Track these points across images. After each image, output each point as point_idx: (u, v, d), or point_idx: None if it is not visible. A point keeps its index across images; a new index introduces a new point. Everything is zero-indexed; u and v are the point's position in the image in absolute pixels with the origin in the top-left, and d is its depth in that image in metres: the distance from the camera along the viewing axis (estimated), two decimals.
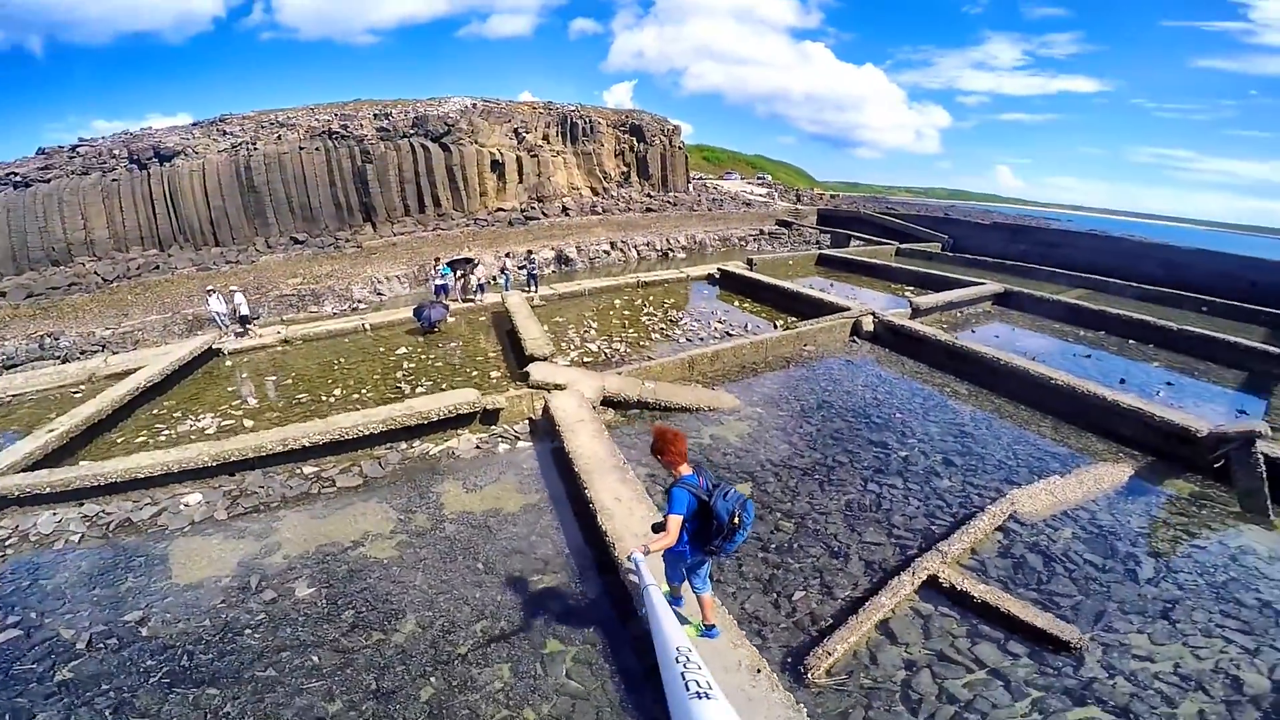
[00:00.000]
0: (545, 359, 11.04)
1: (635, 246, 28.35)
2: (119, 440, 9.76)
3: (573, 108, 39.67)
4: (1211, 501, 7.77)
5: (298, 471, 8.30)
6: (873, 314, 14.70)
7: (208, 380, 12.58)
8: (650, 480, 7.55)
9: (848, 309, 15.13)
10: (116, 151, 27.30)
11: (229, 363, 13.76)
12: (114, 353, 16.86)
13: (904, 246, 30.97)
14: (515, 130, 34.53)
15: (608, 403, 9.67)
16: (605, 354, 12.73)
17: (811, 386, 11.26)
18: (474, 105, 33.57)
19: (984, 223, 36.78)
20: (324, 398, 11.05)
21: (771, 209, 42.80)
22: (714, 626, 4.62)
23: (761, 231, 35.79)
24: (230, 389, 12.00)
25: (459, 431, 9.09)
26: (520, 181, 34.39)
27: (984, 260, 27.36)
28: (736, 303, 18.04)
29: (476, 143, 32.06)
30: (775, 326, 15.29)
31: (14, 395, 11.74)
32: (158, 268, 23.88)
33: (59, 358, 16.78)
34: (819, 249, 30.74)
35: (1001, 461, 8.61)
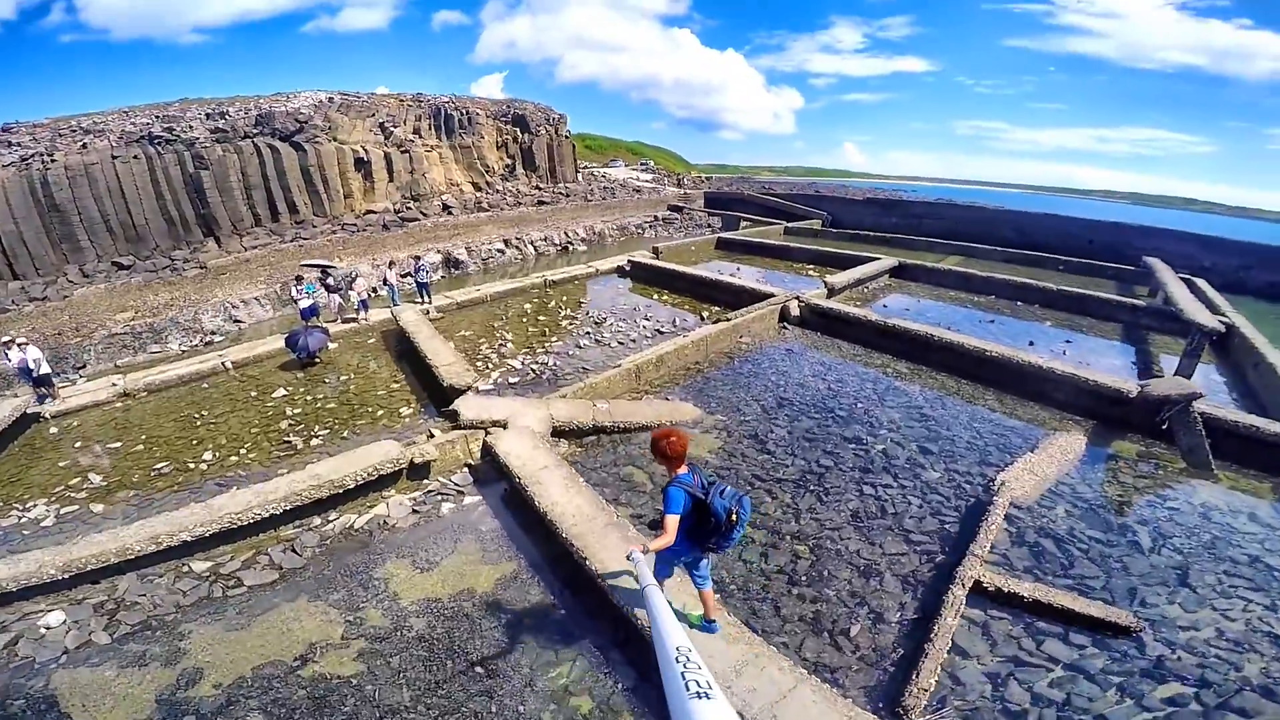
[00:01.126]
0: (468, 388, 9.50)
1: (532, 242, 26.66)
2: None
3: (446, 99, 36.59)
4: (1159, 459, 8.05)
5: (185, 570, 6.35)
6: (797, 298, 14.51)
7: (29, 454, 9.68)
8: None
9: (772, 295, 14.82)
10: None
11: (54, 429, 10.64)
12: None
13: (791, 225, 31.96)
14: (381, 125, 31.14)
15: (559, 433, 8.40)
16: (533, 370, 11.35)
17: (763, 383, 10.69)
18: (330, 99, 29.76)
19: (857, 198, 38.84)
20: (192, 465, 8.74)
21: (663, 194, 42.46)
22: (714, 621, 4.65)
23: (656, 218, 35.31)
24: (63, 463, 9.18)
25: (385, 493, 7.43)
26: (391, 180, 31.12)
27: (864, 234, 28.83)
28: (656, 296, 17.24)
29: (336, 140, 28.46)
30: (703, 319, 14.68)
31: None
32: None
33: None
34: (715, 233, 30.77)
35: (970, 443, 8.49)
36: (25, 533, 7.35)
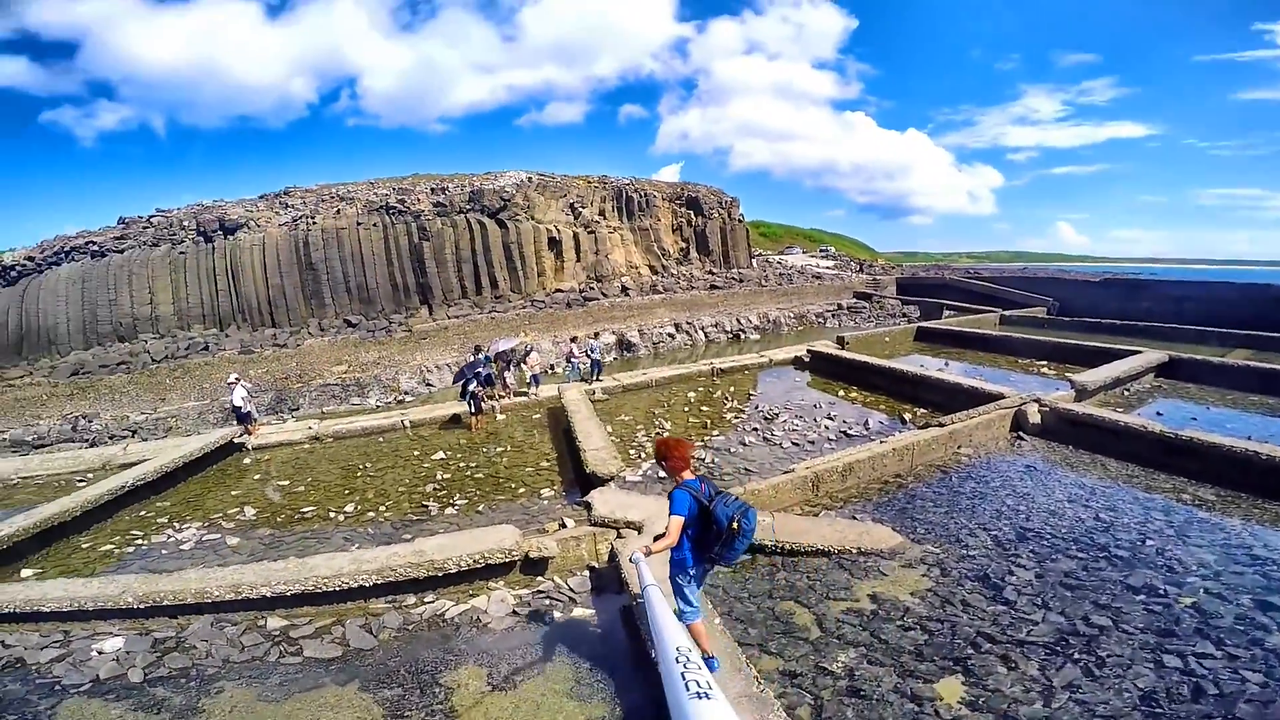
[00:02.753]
0: (611, 478, 8.26)
1: (702, 328, 25.92)
2: (85, 545, 8.17)
3: (627, 180, 38.81)
4: None
5: (259, 624, 5.78)
6: (1037, 401, 11.38)
7: (218, 480, 10.90)
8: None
9: (1001, 395, 11.84)
10: (186, 223, 27.41)
11: (248, 460, 11.96)
12: (143, 439, 15.46)
13: (1009, 314, 27.38)
14: (571, 205, 33.62)
15: None
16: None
17: (994, 507, 7.93)
18: (529, 179, 32.97)
19: (1093, 280, 32.76)
20: (333, 513, 8.77)
21: (847, 282, 39.99)
22: (713, 657, 4.15)
23: (840, 306, 32.90)
24: (236, 493, 10.08)
25: (491, 584, 6.28)
26: (578, 260, 33.08)
27: (1105, 324, 23.51)
28: (841, 392, 14.94)
29: (533, 218, 31.10)
30: (904, 421, 12.12)
31: (24, 477, 11.16)
32: (206, 348, 22.98)
33: (88, 441, 15.49)
34: (912, 322, 27.47)
35: None
36: (164, 552, 7.86)
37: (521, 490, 9.23)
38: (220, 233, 26.96)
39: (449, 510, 8.56)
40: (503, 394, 14.92)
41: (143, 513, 9.22)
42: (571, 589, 6.20)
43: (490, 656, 5.28)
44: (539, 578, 6.39)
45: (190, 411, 16.30)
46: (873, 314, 33.58)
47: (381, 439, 12.81)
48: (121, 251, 25.91)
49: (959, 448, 10.14)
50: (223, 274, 26.28)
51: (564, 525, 7.55)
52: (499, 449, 11.51)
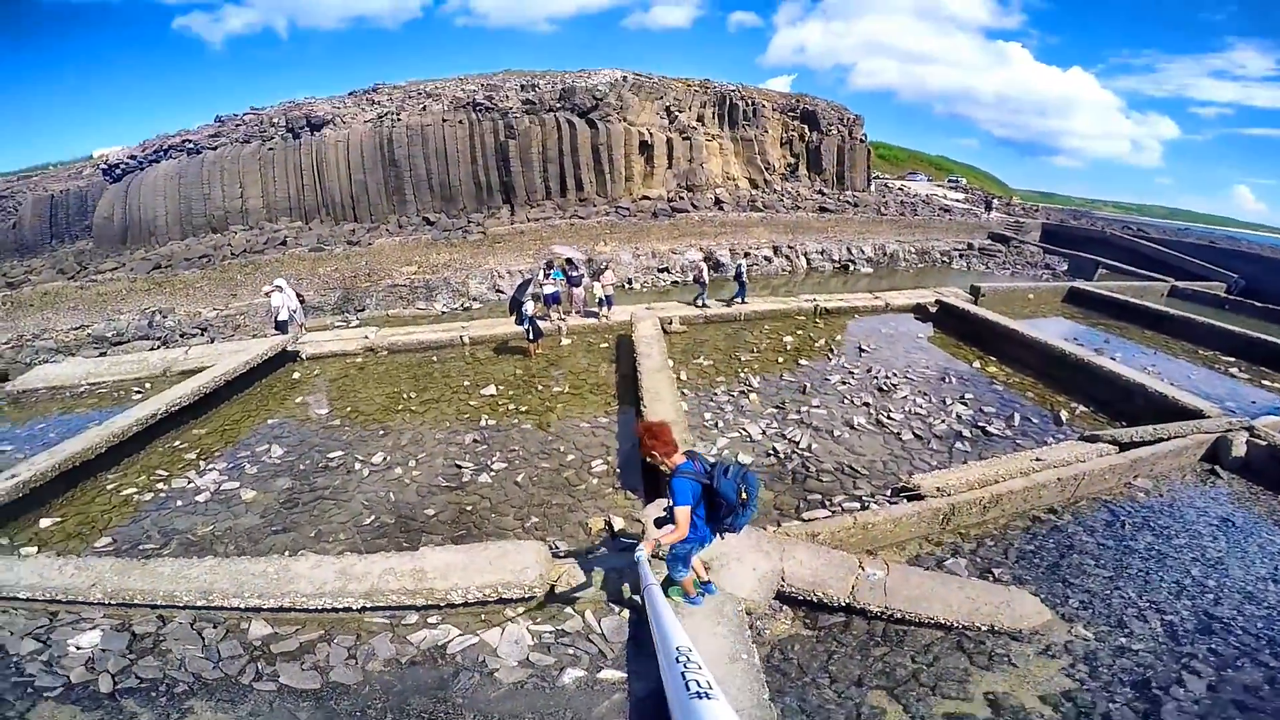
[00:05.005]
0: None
1: (805, 254, 22.81)
2: (111, 485, 7.19)
3: (734, 87, 34.27)
4: None
5: (244, 628, 4.61)
6: (1249, 429, 8.27)
7: (262, 400, 9.93)
8: None
9: (1199, 412, 8.74)
10: (276, 120, 27.07)
11: (297, 374, 11.05)
12: (211, 338, 15.29)
13: (1180, 286, 22.28)
14: (667, 109, 30.08)
15: (785, 599, 4.81)
16: (776, 449, 7.77)
17: (1174, 576, 5.49)
18: (624, 79, 29.53)
19: None
20: (358, 464, 7.51)
21: (981, 219, 34.50)
22: (709, 582, 4.41)
23: (970, 246, 28.30)
24: (273, 420, 9.09)
25: (509, 611, 4.74)
26: (670, 167, 29.95)
27: None
28: (976, 362, 12.07)
29: (625, 120, 28.04)
30: (1059, 422, 9.35)
31: (91, 384, 10.62)
32: (284, 242, 22.77)
33: (160, 339, 15.52)
34: (1059, 278, 23.04)
35: None
36: (179, 503, 6.85)
37: (571, 457, 7.58)
38: (307, 129, 26.35)
39: (483, 478, 7.08)
40: (568, 312, 13.29)
41: (177, 442, 8.30)
42: (605, 635, 4.54)
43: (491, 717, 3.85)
44: (568, 609, 4.76)
45: (259, 308, 15.85)
46: (1009, 260, 28.71)
47: (436, 357, 11.66)
48: (215, 149, 25.97)
49: (1135, 478, 7.44)
50: (308, 170, 25.84)
51: (610, 527, 5.88)
52: (556, 389, 9.95)
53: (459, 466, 7.35)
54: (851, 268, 24.29)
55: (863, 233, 27.30)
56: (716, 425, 8.43)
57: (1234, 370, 12.83)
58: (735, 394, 9.63)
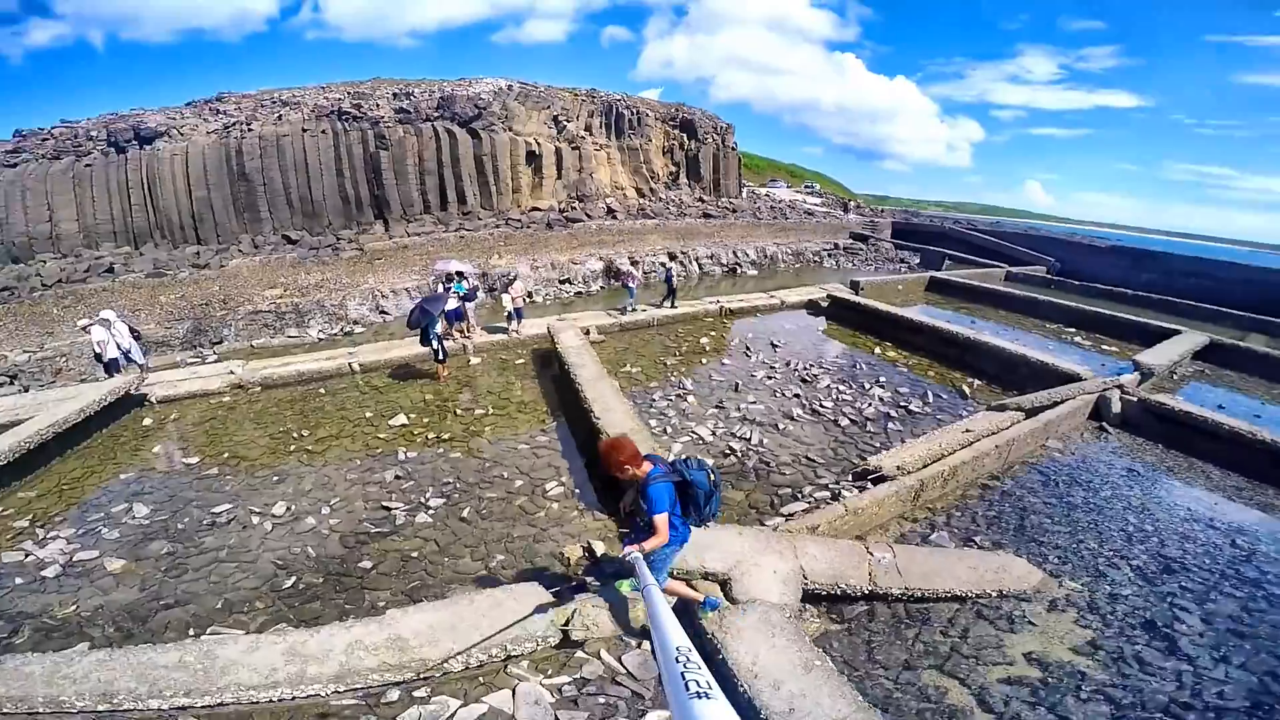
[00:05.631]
0: None
1: (697, 259, 23.29)
2: None
3: (618, 96, 34.64)
4: None
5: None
6: (1120, 387, 9.55)
7: (106, 451, 8.03)
8: None
9: (1076, 375, 9.95)
10: (95, 134, 22.89)
11: (148, 420, 9.04)
12: (24, 388, 12.37)
13: (1014, 270, 25.81)
14: (554, 118, 29.60)
15: (811, 598, 4.61)
16: (732, 449, 7.60)
17: (1118, 525, 6.24)
18: (509, 88, 28.63)
19: (1099, 245, 31.53)
20: (256, 518, 6.25)
21: (842, 221, 37.51)
22: (709, 596, 4.23)
23: (836, 245, 30.63)
24: (126, 475, 7.34)
25: (513, 670, 3.98)
26: (559, 177, 29.42)
27: (1114, 290, 22.23)
28: (876, 349, 12.85)
29: (511, 129, 27.13)
30: (964, 395, 10.17)
31: None
32: (111, 269, 19.23)
33: None
34: (913, 270, 25.55)
35: None
36: (17, 581, 5.29)
37: (519, 483, 6.85)
38: (135, 143, 22.46)
39: (421, 518, 6.15)
40: (469, 332, 12.32)
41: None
42: (632, 673, 3.99)
43: None
44: (578, 652, 4.13)
45: (84, 347, 13.08)
46: (869, 257, 31.49)
47: (323, 389, 10.15)
48: (14, 165, 21.40)
49: (1047, 440, 8.26)
50: (137, 187, 22.04)
51: (590, 553, 5.30)
52: (479, 411, 9.06)
53: (386, 509, 6.35)
54: (739, 270, 25.24)
55: (745, 237, 28.54)
56: (665, 431, 8.11)
57: (1078, 339, 14.89)
58: (673, 398, 9.39)
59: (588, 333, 12.17)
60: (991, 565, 5.06)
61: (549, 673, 3.91)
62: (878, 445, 7.80)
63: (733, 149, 39.56)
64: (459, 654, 3.68)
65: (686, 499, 3.81)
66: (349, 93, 26.66)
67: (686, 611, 4.19)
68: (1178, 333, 13.99)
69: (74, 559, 5.57)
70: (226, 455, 7.78)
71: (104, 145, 22.80)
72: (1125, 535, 5.96)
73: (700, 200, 35.39)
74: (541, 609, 4.08)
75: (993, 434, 7.49)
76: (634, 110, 33.76)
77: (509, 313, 12.47)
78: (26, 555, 5.63)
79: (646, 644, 4.16)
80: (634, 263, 16.88)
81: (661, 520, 3.62)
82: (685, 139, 36.61)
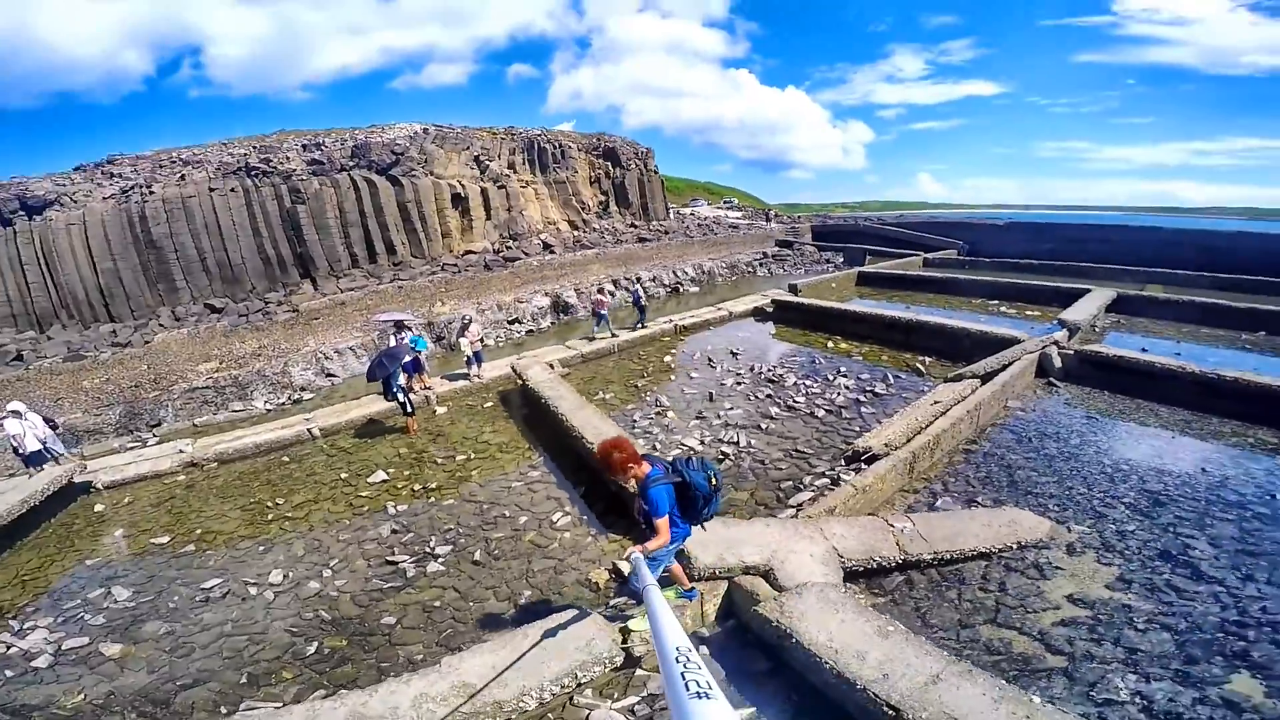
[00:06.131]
0: None
1: (640, 282, 23.71)
2: None
3: (538, 131, 35.06)
4: None
5: None
6: (1056, 344, 10.57)
7: (61, 540, 7.46)
8: None
9: (1015, 339, 10.89)
10: None
11: (100, 505, 8.37)
12: None
13: (930, 256, 27.86)
14: (476, 159, 29.59)
15: (851, 576, 4.83)
16: (724, 454, 7.83)
17: (1096, 469, 6.89)
18: (425, 131, 28.43)
19: (998, 224, 34.39)
20: (253, 589, 5.92)
21: (767, 231, 39.14)
22: (692, 589, 4.45)
23: (765, 254, 31.88)
24: (93, 561, 6.85)
25: (579, 700, 3.92)
26: (489, 218, 29.32)
27: (1020, 263, 24.55)
28: (829, 343, 13.50)
29: (432, 173, 26.89)
30: (919, 373, 10.87)
31: None
32: (19, 357, 17.55)
33: None
34: (839, 268, 27.00)
35: None
36: (9, 673, 4.98)
37: (524, 519, 6.78)
38: (23, 213, 20.64)
39: (433, 567, 5.98)
40: (427, 383, 12.03)
41: None
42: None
43: None
44: (638, 671, 4.14)
45: (3, 441, 11.88)
46: (797, 261, 32.99)
47: (286, 457, 9.64)
48: None
49: (1007, 401, 9.00)
50: (32, 263, 20.24)
51: (618, 573, 5.34)
52: (460, 457, 8.87)
53: (392, 563, 6.14)
54: (681, 289, 25.84)
55: (681, 256, 29.28)
56: (654, 447, 8.22)
57: (1003, 309, 16.24)
58: (653, 415, 9.53)
59: (552, 367, 12.17)
60: (1003, 520, 5.49)
61: (615, 696, 3.91)
62: (857, 429, 8.24)
63: (655, 172, 40.71)
64: (531, 691, 3.62)
65: (685, 500, 3.89)
66: (255, 147, 25.68)
67: (741, 604, 4.32)
68: (1088, 291, 15.53)
69: (63, 647, 5.24)
70: (200, 531, 7.32)
71: None
72: (1107, 477, 6.60)
73: (632, 226, 36.10)
74: (598, 631, 4.08)
75: (959, 401, 8.08)
76: (556, 144, 34.23)
77: (468, 357, 12.27)
78: (8, 647, 5.27)
79: (704, 647, 4.25)
80: (600, 290, 17.07)
81: (663, 523, 3.72)
82: (610, 167, 37.40)
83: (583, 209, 34.49)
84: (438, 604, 5.40)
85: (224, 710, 4.25)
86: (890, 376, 10.63)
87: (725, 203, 68.97)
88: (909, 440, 6.86)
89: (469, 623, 5.10)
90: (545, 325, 20.11)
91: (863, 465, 6.51)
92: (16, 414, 9.17)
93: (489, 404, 11.25)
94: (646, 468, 3.83)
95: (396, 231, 25.94)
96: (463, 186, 27.87)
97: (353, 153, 25.57)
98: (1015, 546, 5.09)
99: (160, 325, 19.80)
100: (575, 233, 33.06)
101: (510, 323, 17.84)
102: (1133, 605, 4.49)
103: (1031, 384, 9.82)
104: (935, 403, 8.12)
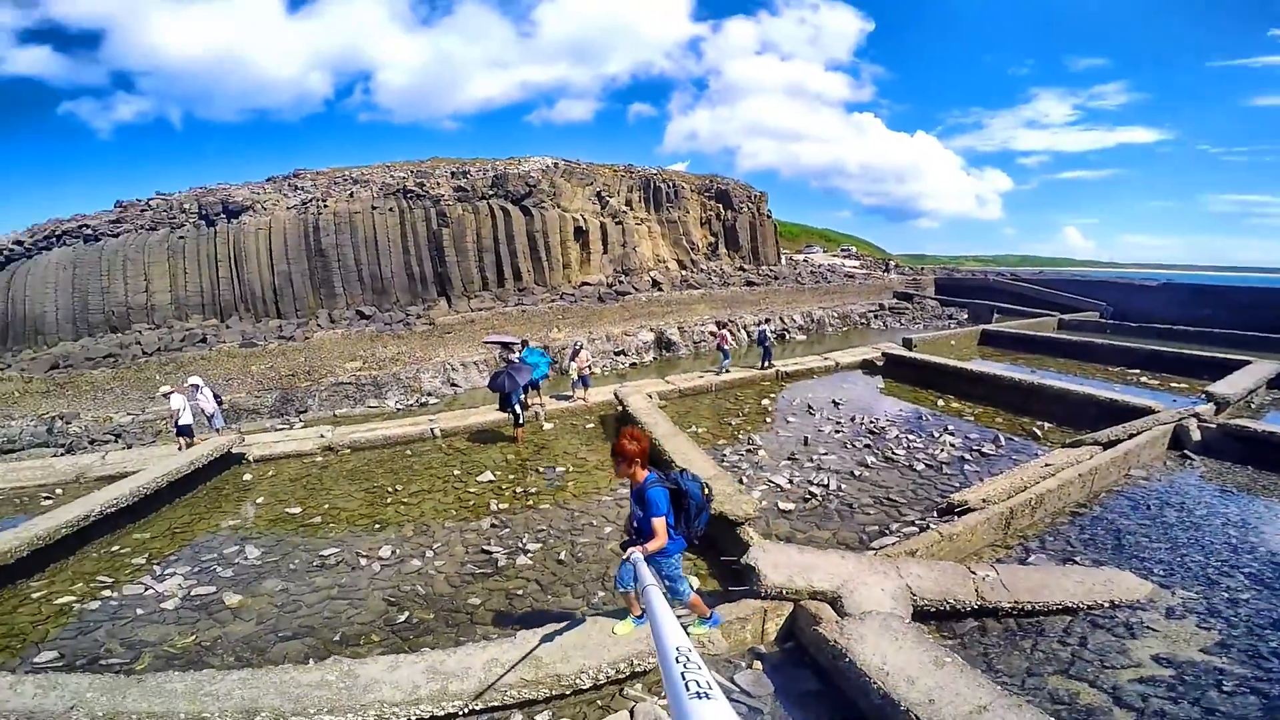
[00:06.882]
0: (745, 521, 6.22)
1: (745, 327, 23.83)
2: (37, 594, 6.11)
3: (654, 170, 36.67)
4: None
5: None
6: (1195, 416, 9.48)
7: (211, 502, 8.76)
8: None
9: (1149, 409, 9.93)
10: (188, 206, 25.43)
11: (248, 475, 9.79)
12: (127, 445, 13.44)
13: (1066, 318, 25.58)
14: (598, 194, 31.51)
15: (921, 615, 4.74)
16: (810, 493, 7.80)
17: (1220, 539, 6.28)
18: (555, 165, 30.85)
19: (1150, 285, 30.99)
20: (364, 560, 6.67)
21: (885, 281, 37.91)
22: (712, 614, 4.46)
23: (881, 306, 30.86)
24: (234, 521, 8.02)
25: (630, 690, 4.18)
26: (605, 252, 30.97)
27: (1173, 329, 21.81)
28: (940, 401, 12.89)
29: (559, 206, 28.98)
30: (1035, 438, 10.15)
31: None
32: (204, 340, 20.89)
33: (63, 446, 13.45)
34: (962, 325, 25.53)
35: None
36: (139, 611, 5.75)
37: (608, 529, 7.20)
38: (223, 216, 24.88)
39: (521, 560, 6.50)
40: (540, 399, 12.90)
41: (115, 547, 7.20)
42: (747, 690, 4.16)
43: None
44: None
45: (192, 411, 14.27)
46: (916, 315, 31.55)
47: (409, 451, 10.79)
48: (116, 235, 23.81)
49: (1129, 469, 8.23)
50: (225, 260, 24.21)
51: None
52: (558, 469, 9.48)
53: (487, 552, 6.73)
54: (787, 336, 25.63)
55: (790, 303, 29.13)
56: (741, 481, 8.32)
57: (1143, 379, 14.67)
58: (743, 452, 9.65)
59: (650, 397, 12.65)
60: (1099, 578, 5.15)
61: (661, 694, 4.11)
62: (957, 485, 7.94)
63: (768, 216, 40.95)
64: (588, 670, 3.95)
65: (679, 509, 4.04)
66: (412, 171, 29.11)
67: (803, 626, 4.39)
68: (1248, 364, 13.69)
69: (192, 593, 6.02)
70: (327, 506, 8.37)
71: (195, 218, 25.13)
72: (1230, 547, 6.03)
73: (741, 269, 36.45)
74: None
75: (1072, 465, 7.56)
76: (670, 184, 35.60)
77: (574, 380, 13.09)
78: (146, 589, 6.13)
79: (758, 663, 4.35)
80: (720, 325, 17.50)
81: (660, 523, 3.86)
82: (721, 209, 38.17)
83: (692, 249, 35.39)
84: (520, 593, 5.87)
85: (310, 661, 4.86)
86: (1001, 438, 10.02)
87: (842, 250, 67.51)
88: (1009, 498, 6.54)
89: (544, 612, 5.51)
90: (648, 359, 20.79)
91: (954, 517, 6.29)
92: (194, 388, 11.07)
93: (590, 424, 11.91)
94: (645, 472, 4.00)
95: (524, 259, 28.13)
96: (584, 220, 29.76)
97: (493, 182, 28.25)
98: (1107, 605, 4.79)
99: (318, 325, 22.81)
100: (684, 272, 33.95)
101: (616, 354, 18.69)
102: (1225, 669, 4.11)
103: (1161, 455, 8.90)
104: (1046, 465, 7.63)
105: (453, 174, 28.70)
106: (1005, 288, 33.91)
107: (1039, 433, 10.34)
